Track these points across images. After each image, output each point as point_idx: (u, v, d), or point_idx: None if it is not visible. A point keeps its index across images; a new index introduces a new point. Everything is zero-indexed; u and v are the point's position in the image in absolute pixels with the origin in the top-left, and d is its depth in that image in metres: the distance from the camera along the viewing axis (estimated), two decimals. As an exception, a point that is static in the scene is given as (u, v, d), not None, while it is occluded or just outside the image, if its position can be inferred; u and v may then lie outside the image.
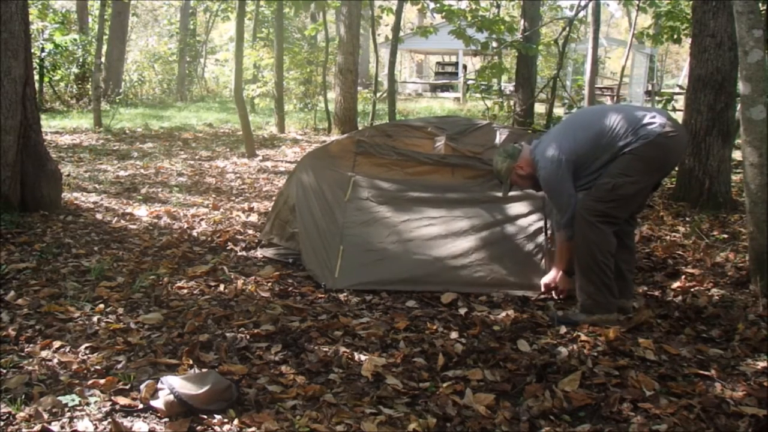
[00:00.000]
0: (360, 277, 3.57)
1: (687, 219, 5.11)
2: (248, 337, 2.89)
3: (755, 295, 3.40)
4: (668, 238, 4.63)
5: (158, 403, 2.22)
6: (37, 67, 13.33)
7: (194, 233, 4.67)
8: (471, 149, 3.89)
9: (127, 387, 2.39)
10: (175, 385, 2.23)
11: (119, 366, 2.55)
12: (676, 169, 5.89)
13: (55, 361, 2.59)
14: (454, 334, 2.98)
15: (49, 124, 10.94)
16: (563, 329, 3.04)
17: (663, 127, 2.97)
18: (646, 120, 3.01)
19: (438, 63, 28.45)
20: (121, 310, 3.15)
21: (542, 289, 3.45)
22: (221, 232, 4.69)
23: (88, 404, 2.26)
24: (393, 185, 3.90)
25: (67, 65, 14.93)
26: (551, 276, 3.41)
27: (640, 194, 3.15)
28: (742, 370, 2.63)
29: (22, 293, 3.30)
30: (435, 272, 3.58)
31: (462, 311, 3.29)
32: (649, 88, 16.42)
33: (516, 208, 3.76)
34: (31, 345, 2.73)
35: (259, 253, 4.18)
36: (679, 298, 3.48)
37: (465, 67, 25.14)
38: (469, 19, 9.03)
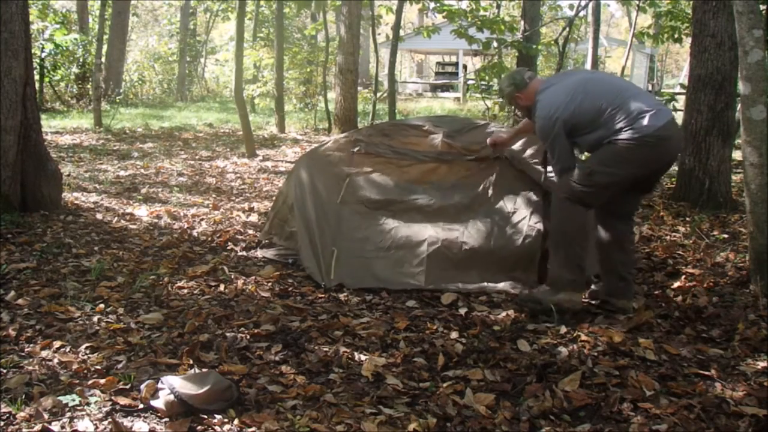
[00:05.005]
0: (354, 276, 3.58)
1: (687, 219, 5.11)
2: (248, 337, 2.89)
3: (755, 295, 3.41)
4: (668, 238, 4.63)
5: (158, 403, 2.22)
6: (38, 67, 13.31)
7: (194, 233, 4.67)
8: (468, 147, 3.90)
9: (128, 387, 2.39)
10: (175, 385, 2.23)
11: (119, 366, 2.56)
12: (676, 169, 5.89)
13: (56, 361, 2.59)
14: (454, 334, 2.98)
15: (49, 124, 10.93)
16: (563, 329, 3.04)
17: (657, 129, 2.95)
18: (646, 116, 2.98)
19: (438, 63, 28.45)
20: (121, 310, 3.15)
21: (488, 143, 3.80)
22: (221, 232, 4.69)
23: (88, 404, 2.26)
24: (389, 184, 3.89)
25: (68, 65, 14.91)
26: (499, 136, 3.78)
27: (615, 186, 3.12)
28: (742, 370, 2.63)
29: (22, 293, 3.30)
30: (430, 272, 3.58)
31: (462, 311, 3.29)
32: (650, 88, 16.42)
33: (513, 208, 3.75)
34: (31, 345, 2.73)
35: (259, 253, 4.18)
36: (679, 298, 3.48)
37: (465, 67, 25.14)
38: (470, 19, 9.03)
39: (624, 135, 2.98)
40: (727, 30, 5.16)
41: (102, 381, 2.40)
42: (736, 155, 6.11)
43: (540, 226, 3.62)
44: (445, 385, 2.50)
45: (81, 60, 14.98)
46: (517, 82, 3.35)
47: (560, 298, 3.16)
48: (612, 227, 3.28)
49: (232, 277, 3.72)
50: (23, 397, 2.26)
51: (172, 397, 2.20)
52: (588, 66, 9.29)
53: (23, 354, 2.64)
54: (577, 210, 3.13)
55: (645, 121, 2.97)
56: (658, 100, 3.39)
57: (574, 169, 3.15)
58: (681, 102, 8.30)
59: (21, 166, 4.67)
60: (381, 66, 13.26)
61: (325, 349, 2.79)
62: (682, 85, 7.02)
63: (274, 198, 5.15)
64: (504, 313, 3.25)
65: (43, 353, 2.65)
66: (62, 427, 2.13)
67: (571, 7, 17.28)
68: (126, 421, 2.18)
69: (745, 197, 3.50)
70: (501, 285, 3.56)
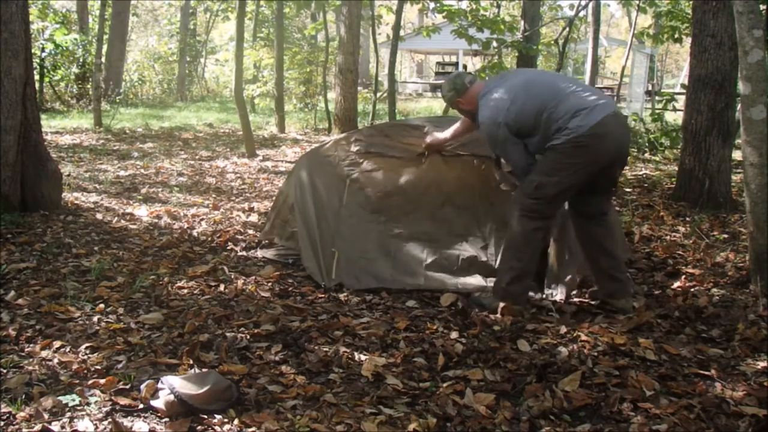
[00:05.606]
0: (354, 277, 3.58)
1: (687, 219, 5.11)
2: (248, 337, 2.89)
3: (755, 295, 3.41)
4: (668, 238, 4.63)
5: (158, 403, 2.22)
6: (38, 67, 13.31)
7: (194, 233, 4.67)
8: (468, 148, 3.89)
9: (128, 387, 2.39)
10: (175, 385, 2.23)
11: (119, 366, 2.56)
12: (676, 169, 5.89)
13: (56, 361, 2.59)
14: (454, 334, 2.98)
15: (49, 124, 10.93)
16: (563, 329, 3.04)
17: (590, 128, 2.92)
18: (580, 115, 2.95)
19: (438, 63, 28.44)
20: (121, 310, 3.15)
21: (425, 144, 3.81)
22: (221, 232, 4.69)
23: (88, 404, 2.26)
24: (389, 185, 3.89)
25: (68, 65, 14.91)
26: (435, 138, 3.77)
27: (564, 193, 3.11)
28: (742, 370, 2.63)
29: (22, 293, 3.30)
30: (430, 275, 3.58)
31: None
32: (650, 88, 16.41)
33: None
34: (31, 345, 2.73)
35: (259, 253, 4.18)
36: (679, 298, 3.48)
37: (465, 67, 25.14)
38: (470, 19, 9.03)
39: (559, 138, 2.97)
40: (727, 30, 5.16)
41: (102, 381, 2.40)
42: (736, 155, 6.11)
43: None
44: (445, 385, 2.50)
45: (81, 60, 14.98)
46: (457, 87, 3.32)
47: (499, 307, 3.21)
48: (587, 231, 3.27)
49: (232, 277, 3.72)
50: (23, 397, 2.26)
51: (172, 397, 2.20)
52: (588, 66, 9.28)
53: (23, 354, 2.64)
54: (528, 225, 3.12)
55: (578, 121, 2.93)
56: (602, 93, 3.30)
57: (526, 158, 3.15)
58: (681, 102, 8.31)
59: (21, 166, 4.67)
60: (381, 66, 13.27)
61: (325, 349, 2.79)
62: (682, 85, 7.01)
63: (274, 198, 5.15)
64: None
65: (43, 353, 2.65)
66: (62, 427, 2.13)
67: (571, 7, 17.29)
68: (126, 421, 2.18)
69: (745, 197, 3.50)
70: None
